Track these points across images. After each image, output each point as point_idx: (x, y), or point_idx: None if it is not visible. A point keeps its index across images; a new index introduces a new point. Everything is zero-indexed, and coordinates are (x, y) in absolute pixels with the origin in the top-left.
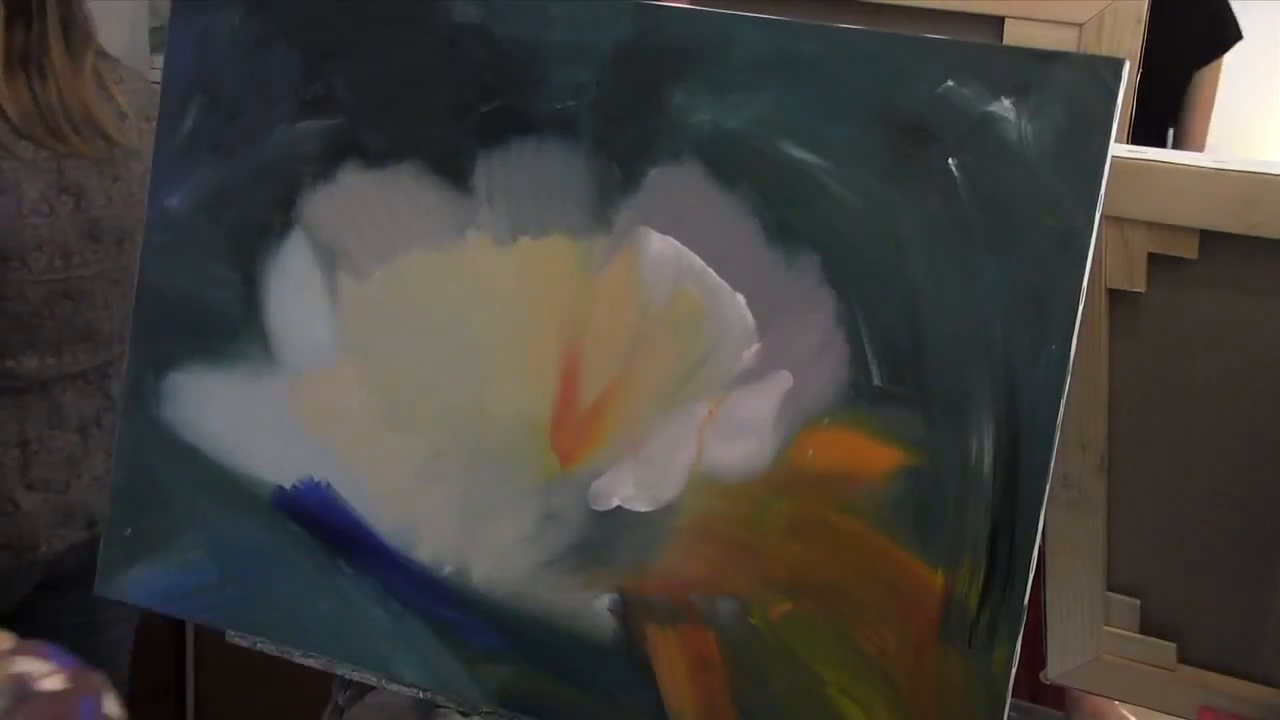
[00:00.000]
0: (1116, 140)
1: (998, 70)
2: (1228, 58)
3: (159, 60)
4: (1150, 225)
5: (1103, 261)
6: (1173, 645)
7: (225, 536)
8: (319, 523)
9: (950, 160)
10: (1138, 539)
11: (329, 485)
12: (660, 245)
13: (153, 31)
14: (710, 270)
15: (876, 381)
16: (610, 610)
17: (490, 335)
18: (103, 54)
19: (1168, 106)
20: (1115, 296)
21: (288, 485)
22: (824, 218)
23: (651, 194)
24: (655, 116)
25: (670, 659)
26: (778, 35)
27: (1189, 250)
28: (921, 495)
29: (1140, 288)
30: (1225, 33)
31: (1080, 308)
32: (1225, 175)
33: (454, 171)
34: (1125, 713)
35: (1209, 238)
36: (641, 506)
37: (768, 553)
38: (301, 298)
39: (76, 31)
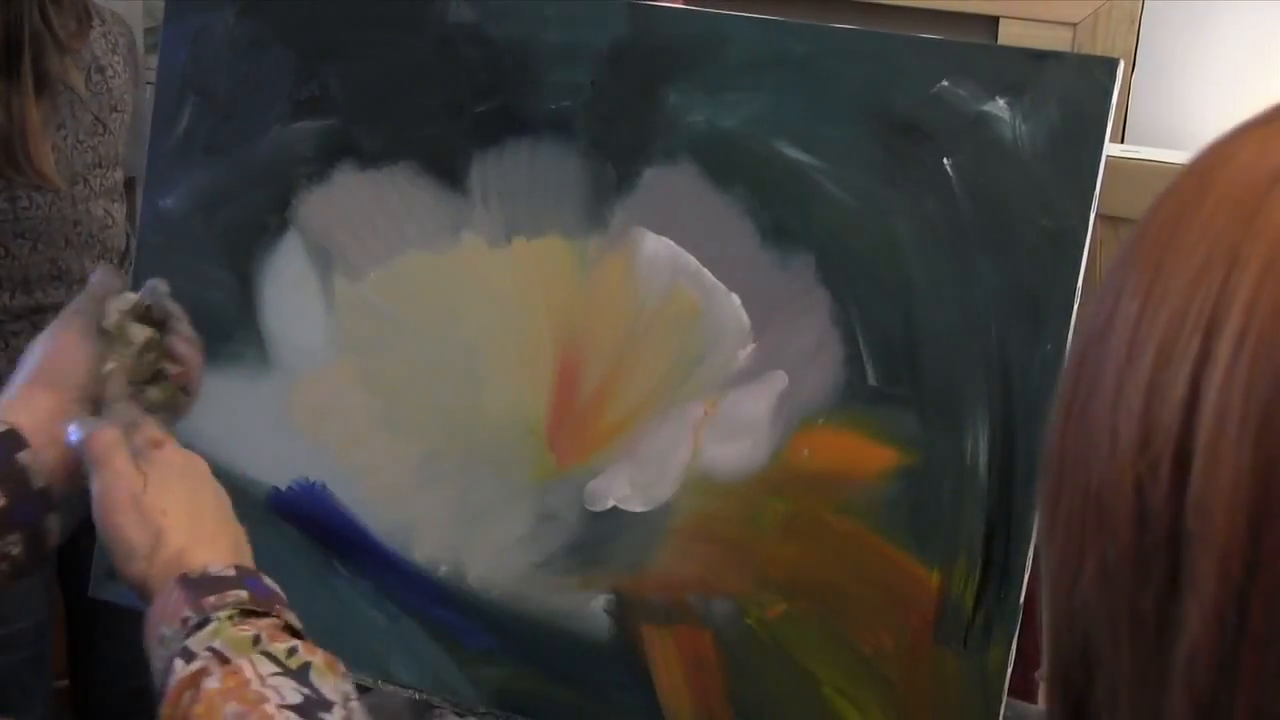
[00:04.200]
0: (1111, 140)
1: (992, 70)
2: (1227, 57)
3: (153, 61)
4: None
5: (1098, 261)
6: None
7: None
8: (314, 524)
9: (945, 160)
10: None
11: (324, 486)
12: (655, 245)
13: (147, 32)
14: (705, 270)
15: (872, 381)
16: (606, 611)
17: (486, 336)
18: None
19: None
20: None
21: (283, 486)
22: (819, 218)
23: (646, 194)
24: (650, 116)
25: (666, 659)
26: (772, 35)
27: None
28: (917, 495)
29: None
30: None
31: (1076, 307)
32: None
33: (449, 172)
34: None
35: None
36: (637, 507)
37: (763, 553)
38: (297, 298)
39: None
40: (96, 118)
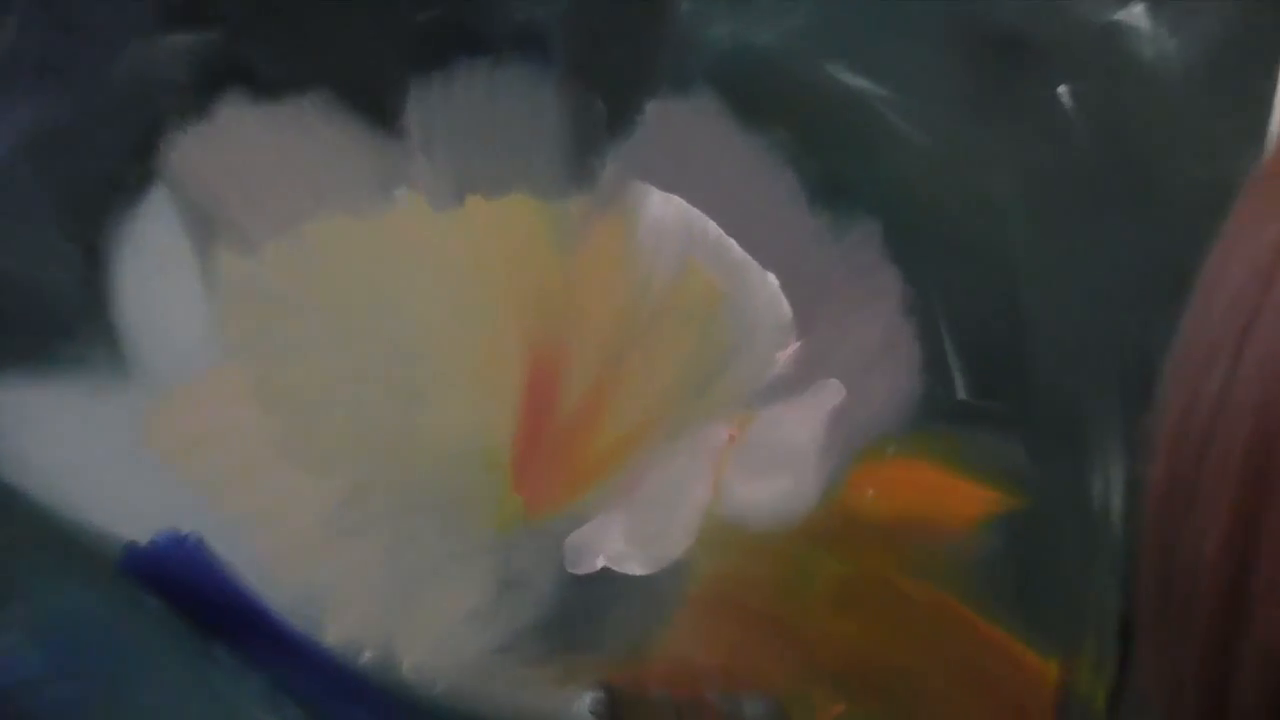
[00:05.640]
0: None
1: None
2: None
3: None
4: None
5: None
6: None
7: (55, 613)
8: (186, 593)
9: (1061, 88)
10: None
11: (200, 541)
12: (661, 207)
13: None
14: (731, 241)
15: (961, 395)
16: (594, 713)
17: (428, 332)
18: None
19: None
20: None
21: (143, 541)
22: (886, 169)
23: (649, 137)
24: (654, 30)
25: None
26: None
27: None
28: (1025, 554)
29: None
30: None
31: None
32: None
33: (377, 107)
34: None
35: None
36: (636, 568)
37: (812, 632)
38: (165, 280)
39: None
40: None
